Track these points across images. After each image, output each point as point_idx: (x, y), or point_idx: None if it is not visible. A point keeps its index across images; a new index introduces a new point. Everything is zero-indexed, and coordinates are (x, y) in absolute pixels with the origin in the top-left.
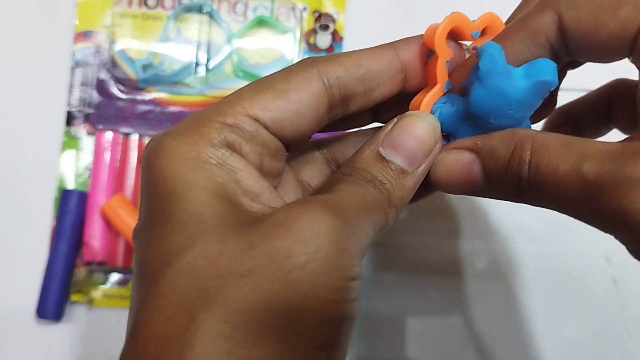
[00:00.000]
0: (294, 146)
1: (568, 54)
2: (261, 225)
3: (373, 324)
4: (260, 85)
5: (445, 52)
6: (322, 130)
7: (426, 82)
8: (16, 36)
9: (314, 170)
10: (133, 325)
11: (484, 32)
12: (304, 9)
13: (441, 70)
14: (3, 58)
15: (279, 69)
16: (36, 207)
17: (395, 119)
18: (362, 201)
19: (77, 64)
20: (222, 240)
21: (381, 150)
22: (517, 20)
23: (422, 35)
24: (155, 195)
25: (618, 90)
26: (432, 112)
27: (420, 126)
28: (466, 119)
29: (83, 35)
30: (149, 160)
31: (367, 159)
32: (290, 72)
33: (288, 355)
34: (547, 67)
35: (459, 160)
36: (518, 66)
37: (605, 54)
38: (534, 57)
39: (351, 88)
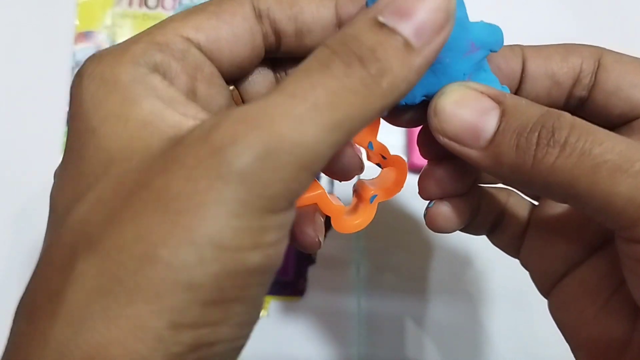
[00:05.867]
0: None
1: None
2: (163, 156)
3: (373, 324)
4: (193, 9)
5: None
6: None
7: None
8: (16, 36)
9: None
10: (30, 278)
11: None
12: None
13: None
14: (3, 58)
15: None
16: (36, 208)
17: None
18: (310, 99)
19: (77, 64)
20: (120, 180)
21: (380, 18)
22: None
23: None
24: (74, 131)
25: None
26: None
27: None
28: None
29: (83, 35)
30: (71, 91)
31: (362, 25)
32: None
33: (173, 315)
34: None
35: (477, 99)
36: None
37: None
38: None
39: (281, 25)
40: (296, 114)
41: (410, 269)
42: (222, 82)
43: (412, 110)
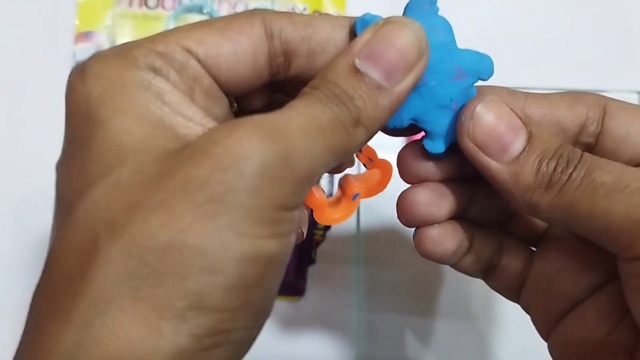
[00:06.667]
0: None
1: None
2: (183, 151)
3: (373, 324)
4: (201, 22)
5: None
6: None
7: None
8: (17, 37)
9: None
10: (46, 261)
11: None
12: (304, 9)
13: None
14: (4, 58)
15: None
16: (38, 209)
17: (377, 25)
18: (316, 121)
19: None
20: (139, 169)
21: (357, 62)
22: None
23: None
24: (77, 124)
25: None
26: None
27: (402, 35)
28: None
29: (84, 35)
30: (72, 85)
31: (340, 71)
32: (234, 15)
33: (198, 297)
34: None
35: (510, 115)
36: None
37: None
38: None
39: (294, 45)
40: (306, 129)
41: (410, 269)
42: (220, 94)
43: (402, 132)
